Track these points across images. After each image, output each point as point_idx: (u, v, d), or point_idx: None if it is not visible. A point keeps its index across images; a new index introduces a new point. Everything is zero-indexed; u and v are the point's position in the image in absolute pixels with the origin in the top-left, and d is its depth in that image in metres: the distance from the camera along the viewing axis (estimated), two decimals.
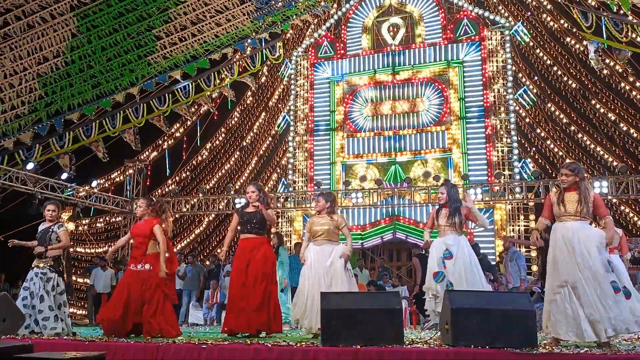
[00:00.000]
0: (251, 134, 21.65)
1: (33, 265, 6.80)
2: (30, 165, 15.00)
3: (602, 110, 18.40)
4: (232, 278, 6.42)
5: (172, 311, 6.60)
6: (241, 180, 20.75)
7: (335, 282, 6.25)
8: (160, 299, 6.35)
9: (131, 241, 6.92)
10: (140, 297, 6.30)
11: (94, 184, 17.48)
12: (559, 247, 5.16)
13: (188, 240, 20.70)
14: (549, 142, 18.92)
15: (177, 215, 19.45)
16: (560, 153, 18.64)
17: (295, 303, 6.50)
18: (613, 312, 4.83)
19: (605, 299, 4.86)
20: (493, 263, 13.76)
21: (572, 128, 18.63)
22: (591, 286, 4.91)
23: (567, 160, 18.11)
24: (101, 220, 19.93)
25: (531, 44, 19.26)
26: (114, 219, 19.62)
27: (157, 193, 20.00)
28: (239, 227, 6.66)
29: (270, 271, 6.43)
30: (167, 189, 19.86)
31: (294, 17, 16.97)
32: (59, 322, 6.56)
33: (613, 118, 18.22)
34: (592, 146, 18.24)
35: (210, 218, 20.83)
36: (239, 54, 18.02)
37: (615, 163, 17.08)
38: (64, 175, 15.94)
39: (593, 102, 18.53)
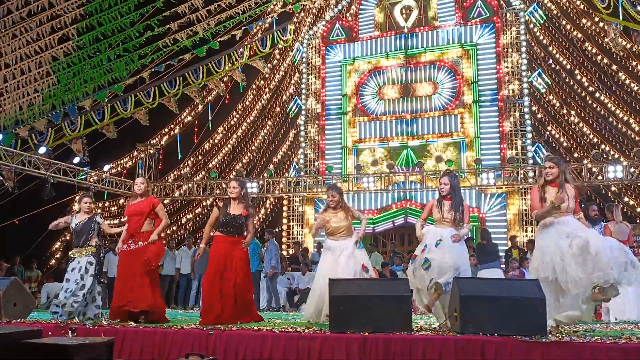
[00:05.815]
0: (262, 118, 21.55)
1: (73, 256, 6.80)
2: (42, 150, 15.08)
3: (619, 92, 18.10)
4: (207, 277, 6.39)
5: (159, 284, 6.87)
6: (252, 164, 20.79)
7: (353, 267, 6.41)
8: (147, 275, 6.46)
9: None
10: (135, 276, 6.40)
11: (106, 168, 17.57)
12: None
13: (199, 224, 20.76)
14: (563, 125, 18.64)
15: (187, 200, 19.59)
16: (575, 137, 18.38)
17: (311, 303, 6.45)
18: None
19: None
20: (505, 248, 13.69)
21: (589, 110, 18.33)
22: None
23: (590, 138, 17.90)
24: (114, 203, 20.02)
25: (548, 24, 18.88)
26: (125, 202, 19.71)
27: (169, 177, 20.08)
28: (217, 225, 6.61)
29: (248, 268, 6.62)
30: (179, 173, 19.92)
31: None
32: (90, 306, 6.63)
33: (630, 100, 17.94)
34: (609, 129, 17.97)
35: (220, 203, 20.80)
36: (250, 36, 17.87)
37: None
38: (76, 159, 16.02)
39: (609, 84, 18.20)
